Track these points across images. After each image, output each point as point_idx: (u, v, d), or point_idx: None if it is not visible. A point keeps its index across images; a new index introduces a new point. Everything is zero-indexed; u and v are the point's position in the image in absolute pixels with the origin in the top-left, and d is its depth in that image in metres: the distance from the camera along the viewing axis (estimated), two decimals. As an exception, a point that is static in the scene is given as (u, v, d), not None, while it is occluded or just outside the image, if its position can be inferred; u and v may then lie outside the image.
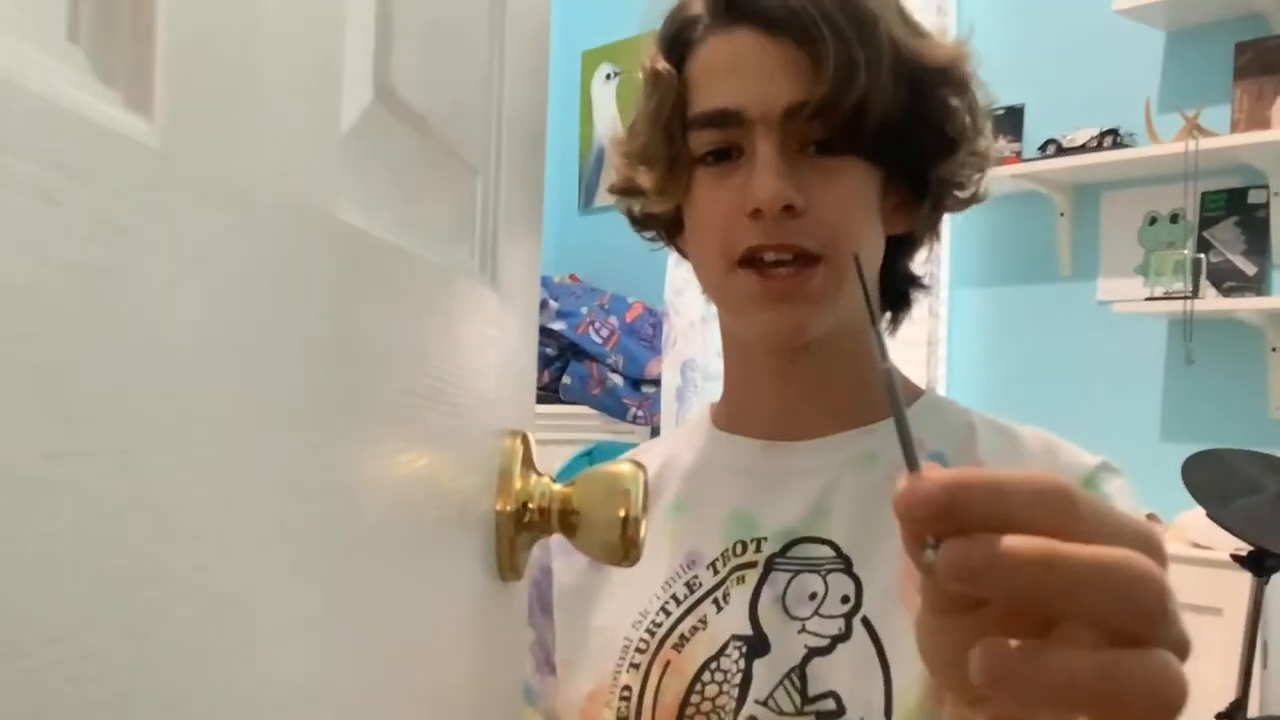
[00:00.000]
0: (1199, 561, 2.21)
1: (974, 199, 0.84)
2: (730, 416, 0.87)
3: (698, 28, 0.79)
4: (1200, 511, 2.02)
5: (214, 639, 0.25)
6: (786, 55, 0.74)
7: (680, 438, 0.91)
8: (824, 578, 0.77)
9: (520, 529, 0.49)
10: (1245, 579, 2.03)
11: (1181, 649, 0.36)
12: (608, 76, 3.75)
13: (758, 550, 0.80)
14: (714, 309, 2.79)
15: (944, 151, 0.80)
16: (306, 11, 0.31)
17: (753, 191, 0.73)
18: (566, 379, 3.19)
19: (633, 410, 3.17)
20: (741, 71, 0.76)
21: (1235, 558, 2.02)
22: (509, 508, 0.48)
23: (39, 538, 0.19)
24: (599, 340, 3.18)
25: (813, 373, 0.81)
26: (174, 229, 0.23)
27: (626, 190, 0.85)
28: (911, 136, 0.77)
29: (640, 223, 0.88)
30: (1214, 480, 2.07)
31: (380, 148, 0.39)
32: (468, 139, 0.45)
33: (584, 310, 3.22)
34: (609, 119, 3.74)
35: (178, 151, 0.23)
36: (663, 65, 0.79)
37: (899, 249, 0.84)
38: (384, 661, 0.38)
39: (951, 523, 0.35)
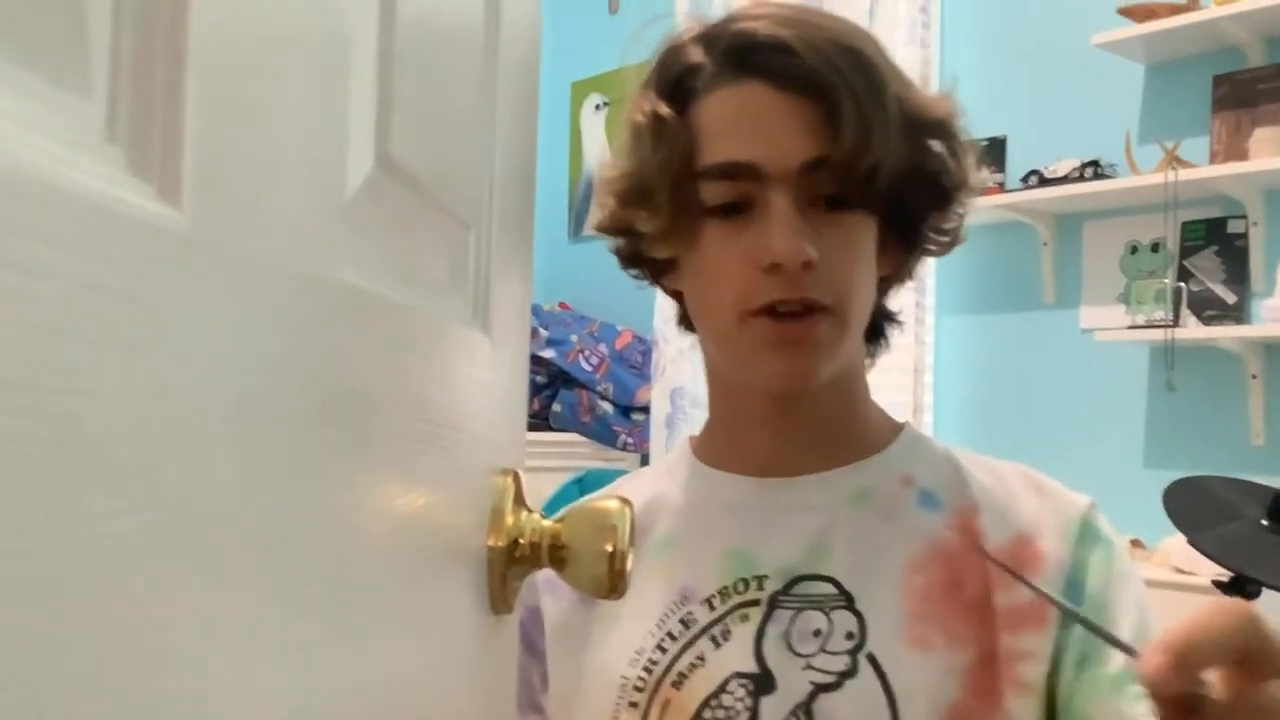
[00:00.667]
0: (1182, 587, 2.24)
1: (955, 242, 0.86)
2: (716, 453, 0.87)
3: (701, 76, 0.79)
4: (1182, 538, 2.05)
5: (210, 674, 0.27)
6: (802, 111, 0.75)
7: (661, 472, 0.91)
8: (828, 614, 0.78)
9: (511, 564, 0.51)
10: (1227, 604, 2.05)
11: None
12: (597, 107, 3.79)
13: (759, 588, 0.80)
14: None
15: (940, 203, 0.82)
16: (317, 91, 0.33)
17: (772, 247, 0.74)
18: (556, 406, 3.21)
19: (623, 437, 3.19)
20: (756, 126, 0.76)
21: (1216, 584, 2.04)
22: (501, 543, 0.51)
23: (71, 572, 0.21)
24: (589, 368, 3.21)
25: (805, 412, 0.82)
26: (197, 304, 0.26)
27: (617, 230, 0.85)
28: (912, 190, 0.79)
29: (629, 261, 0.88)
30: (1195, 506, 2.10)
31: (380, 211, 0.42)
32: (461, 197, 0.48)
33: (574, 338, 3.25)
34: (598, 149, 3.77)
35: (202, 235, 0.26)
36: (667, 112, 0.79)
37: (880, 287, 0.86)
38: (380, 695, 0.40)
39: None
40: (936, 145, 0.80)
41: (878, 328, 0.89)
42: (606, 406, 3.19)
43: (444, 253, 0.48)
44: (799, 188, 0.75)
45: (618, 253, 0.88)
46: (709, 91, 0.78)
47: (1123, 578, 0.79)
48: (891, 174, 0.75)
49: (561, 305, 3.56)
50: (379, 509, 0.39)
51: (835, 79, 0.74)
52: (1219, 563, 1.97)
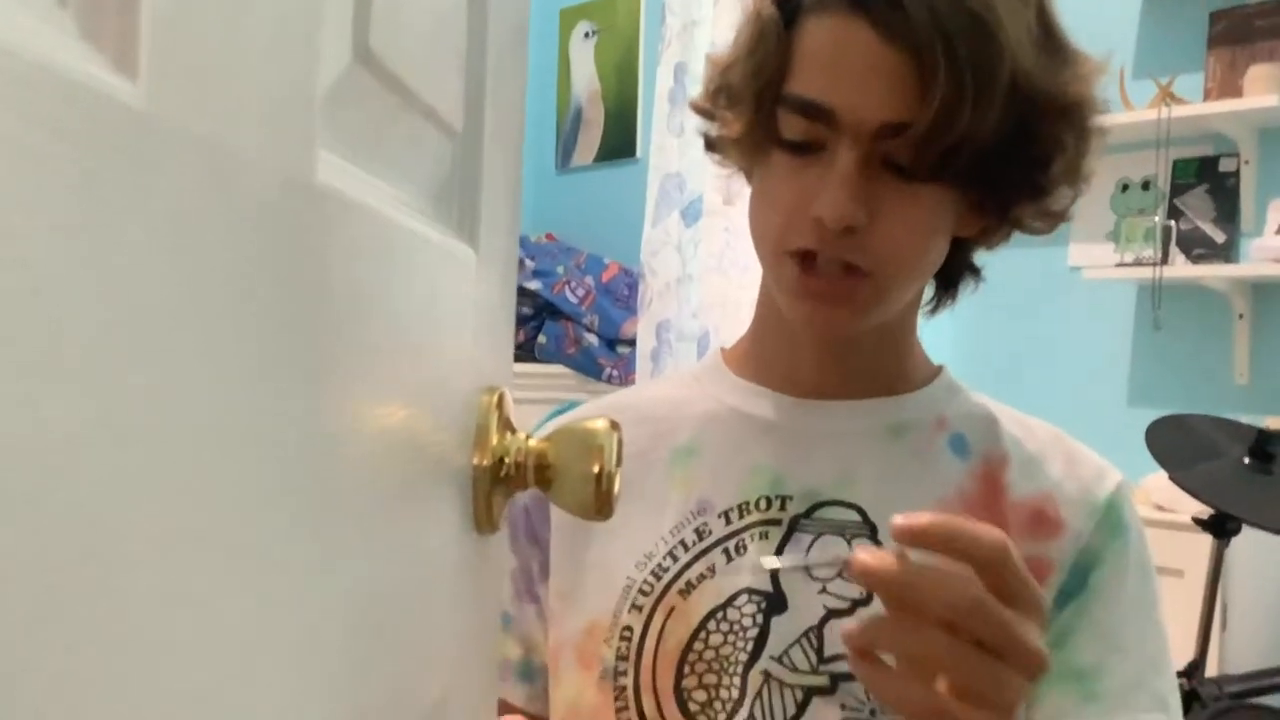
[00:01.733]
0: (1162, 524, 2.25)
1: (1059, 221, 0.81)
2: (756, 367, 0.86)
3: None
4: (1164, 475, 2.06)
5: (173, 594, 0.26)
6: (895, 66, 0.69)
7: (687, 380, 0.89)
8: (849, 542, 0.78)
9: (497, 484, 0.50)
10: (1206, 541, 2.07)
11: (1031, 670, 0.56)
12: (586, 34, 3.73)
13: (782, 509, 0.80)
14: (689, 271, 2.78)
15: (1040, 190, 0.77)
16: (291, -25, 0.31)
17: (821, 201, 0.71)
18: (542, 338, 3.20)
19: (608, 370, 3.19)
20: (844, 70, 0.71)
21: (1197, 521, 2.06)
22: (485, 462, 0.49)
23: (20, 474, 0.20)
24: (575, 300, 3.19)
25: (848, 342, 0.81)
26: (155, 187, 0.24)
27: (707, 114, 0.83)
28: (1008, 172, 0.73)
29: (712, 147, 0.85)
30: (1177, 444, 2.11)
31: (359, 109, 0.40)
32: (448, 99, 0.46)
33: (560, 270, 3.23)
34: (587, 78, 3.72)
35: (162, 113, 0.24)
36: (770, 17, 0.74)
37: (964, 243, 0.82)
38: (363, 611, 0.39)
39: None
40: (1054, 129, 0.73)
41: (952, 280, 0.86)
42: (592, 339, 3.18)
43: (429, 161, 0.46)
44: (872, 146, 0.71)
45: (705, 135, 0.85)
46: (817, 14, 0.73)
47: (1126, 573, 0.79)
48: (981, 151, 0.70)
49: (548, 237, 3.53)
50: (359, 421, 0.38)
51: (937, 39, 0.67)
52: (1201, 499, 1.99)
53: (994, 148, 0.70)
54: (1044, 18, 0.73)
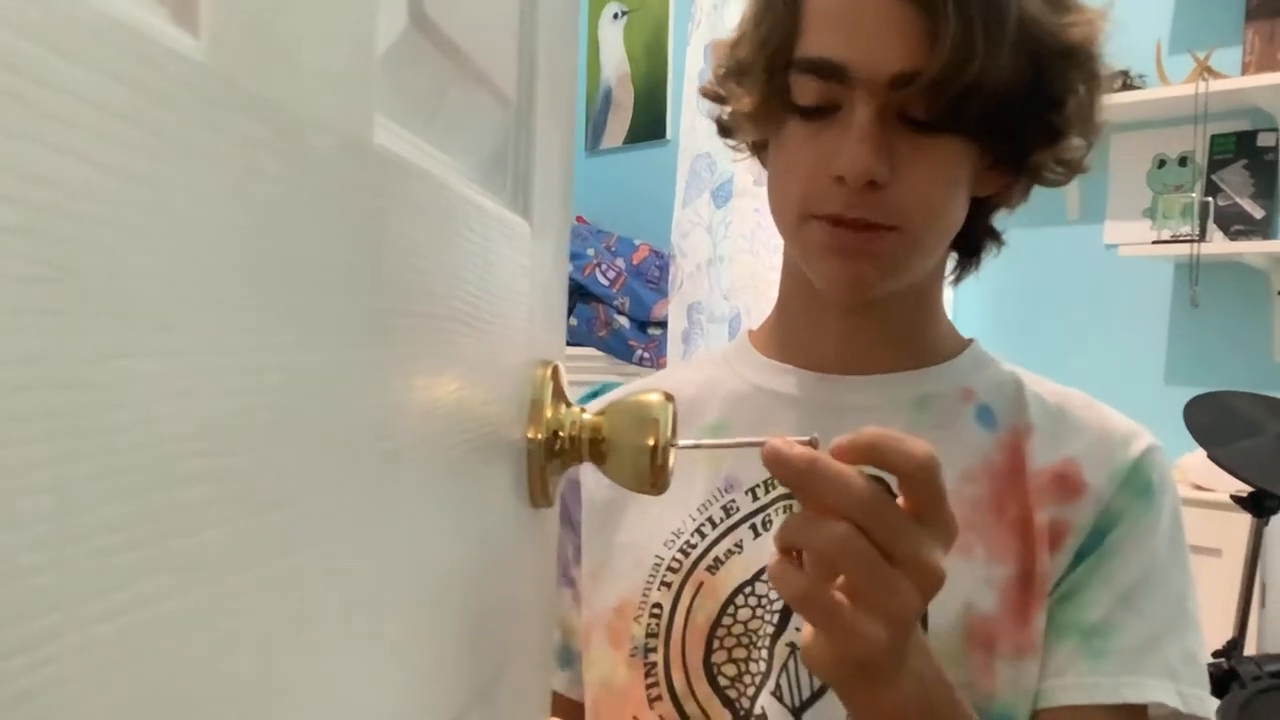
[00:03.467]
0: (1200, 503, 2.23)
1: (1075, 171, 0.82)
2: (781, 345, 0.86)
3: None
4: (1202, 453, 2.04)
5: (248, 546, 0.25)
6: (904, 18, 0.70)
7: (717, 360, 0.90)
8: None
9: (551, 457, 0.50)
10: (1245, 520, 2.05)
11: (924, 585, 0.55)
12: (615, 15, 3.71)
13: None
14: (720, 252, 2.77)
15: (1054, 135, 0.77)
16: (356, -64, 0.31)
17: (841, 159, 0.71)
18: (572, 320, 3.20)
19: (639, 352, 3.18)
20: (855, 26, 0.71)
21: (1235, 499, 2.04)
22: (540, 436, 0.49)
23: (87, 432, 0.19)
24: (605, 282, 3.18)
25: (873, 314, 0.81)
26: (217, 141, 0.24)
27: (718, 97, 0.84)
28: (1022, 118, 0.74)
29: (724, 131, 0.86)
30: (1215, 422, 2.09)
31: (415, 74, 0.40)
32: (502, 68, 0.45)
33: (590, 252, 3.22)
34: (616, 59, 3.71)
35: (222, 67, 0.24)
36: None
37: (983, 205, 0.82)
38: (422, 583, 0.39)
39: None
40: (1063, 72, 0.74)
41: (974, 246, 0.86)
42: (623, 321, 3.18)
43: (484, 128, 0.46)
44: (887, 100, 0.71)
45: (717, 119, 0.86)
46: None
47: (1148, 534, 0.77)
48: (994, 98, 0.70)
49: (579, 219, 3.53)
50: (417, 390, 0.38)
51: None
52: (1239, 477, 1.96)
53: (1006, 94, 0.71)
54: None
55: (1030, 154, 0.78)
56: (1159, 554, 0.77)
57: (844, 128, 0.72)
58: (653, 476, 0.51)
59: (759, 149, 0.85)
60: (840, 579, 0.55)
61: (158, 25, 0.22)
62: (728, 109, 0.84)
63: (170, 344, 0.22)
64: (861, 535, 0.54)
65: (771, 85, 0.76)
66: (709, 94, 0.85)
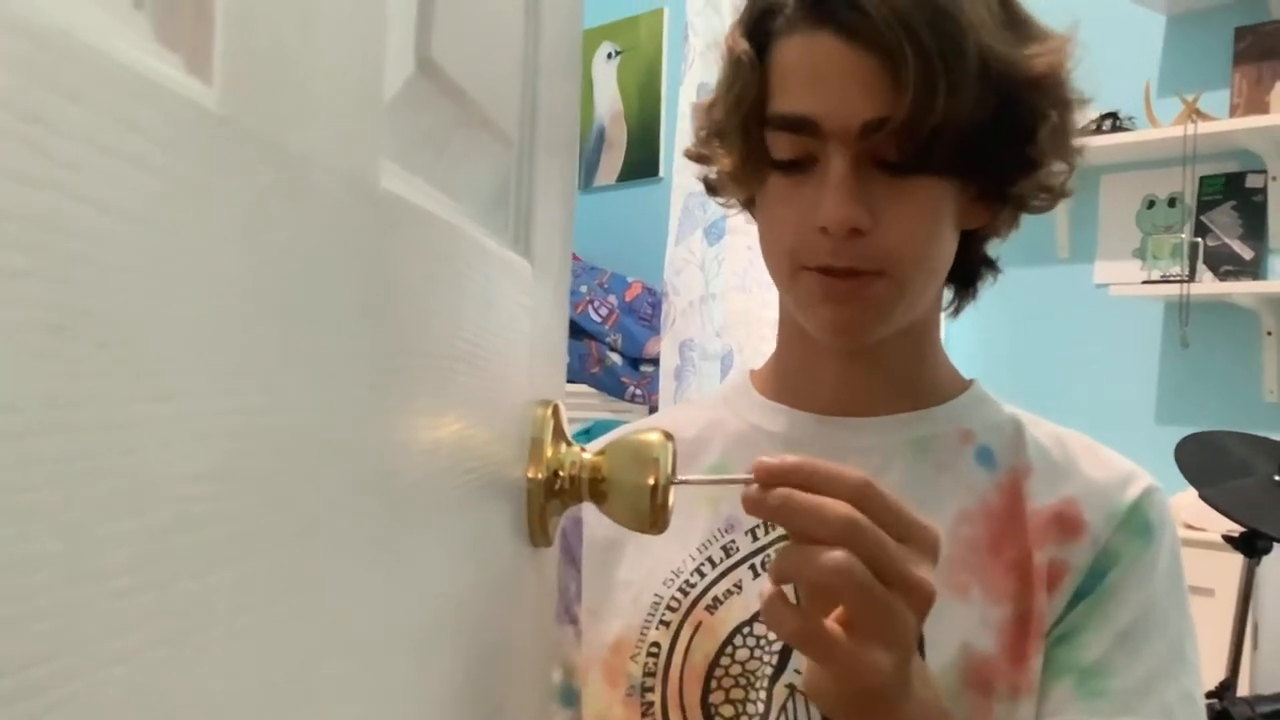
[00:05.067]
0: (1192, 543, 2.23)
1: (1060, 196, 0.82)
2: (780, 387, 0.87)
3: (780, 18, 0.76)
4: (1193, 493, 2.04)
5: (254, 587, 0.25)
6: (867, 68, 0.71)
7: (718, 402, 0.91)
8: None
9: (551, 497, 0.50)
10: (1237, 560, 2.05)
11: (916, 601, 0.55)
12: (609, 55, 3.74)
13: None
14: (713, 289, 2.77)
15: (1031, 164, 0.78)
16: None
17: (822, 210, 0.72)
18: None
19: (631, 389, 3.18)
20: (822, 80, 0.73)
21: (1227, 539, 2.04)
22: (540, 475, 0.49)
23: (100, 475, 0.19)
24: (598, 319, 3.19)
25: (871, 357, 0.81)
26: (231, 188, 0.24)
27: (703, 158, 0.85)
28: (996, 151, 0.75)
29: (713, 190, 0.88)
30: (1207, 462, 2.09)
31: (420, 118, 0.40)
32: (504, 110, 0.46)
33: (583, 289, 3.23)
34: (610, 98, 3.73)
35: (234, 115, 0.24)
36: (743, 51, 0.77)
37: (973, 236, 0.83)
38: (421, 622, 0.39)
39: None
40: (1031, 102, 0.75)
41: (970, 277, 0.87)
42: (615, 358, 3.18)
43: (486, 171, 0.46)
44: (860, 148, 0.72)
45: (704, 180, 0.88)
46: (786, 36, 0.75)
47: (1146, 575, 0.77)
48: (964, 135, 0.71)
49: (572, 256, 3.53)
50: (418, 428, 0.38)
51: (901, 35, 0.69)
52: (1230, 517, 1.96)
53: (977, 129, 0.72)
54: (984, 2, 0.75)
55: (1011, 184, 0.79)
56: (1157, 595, 0.77)
57: (822, 179, 0.73)
58: (652, 516, 0.51)
59: (749, 205, 0.86)
60: (837, 611, 0.55)
61: (172, 75, 0.23)
62: (713, 169, 0.85)
63: (181, 386, 0.22)
64: (857, 560, 0.53)
65: (748, 144, 0.77)
66: (694, 156, 0.87)
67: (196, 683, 0.22)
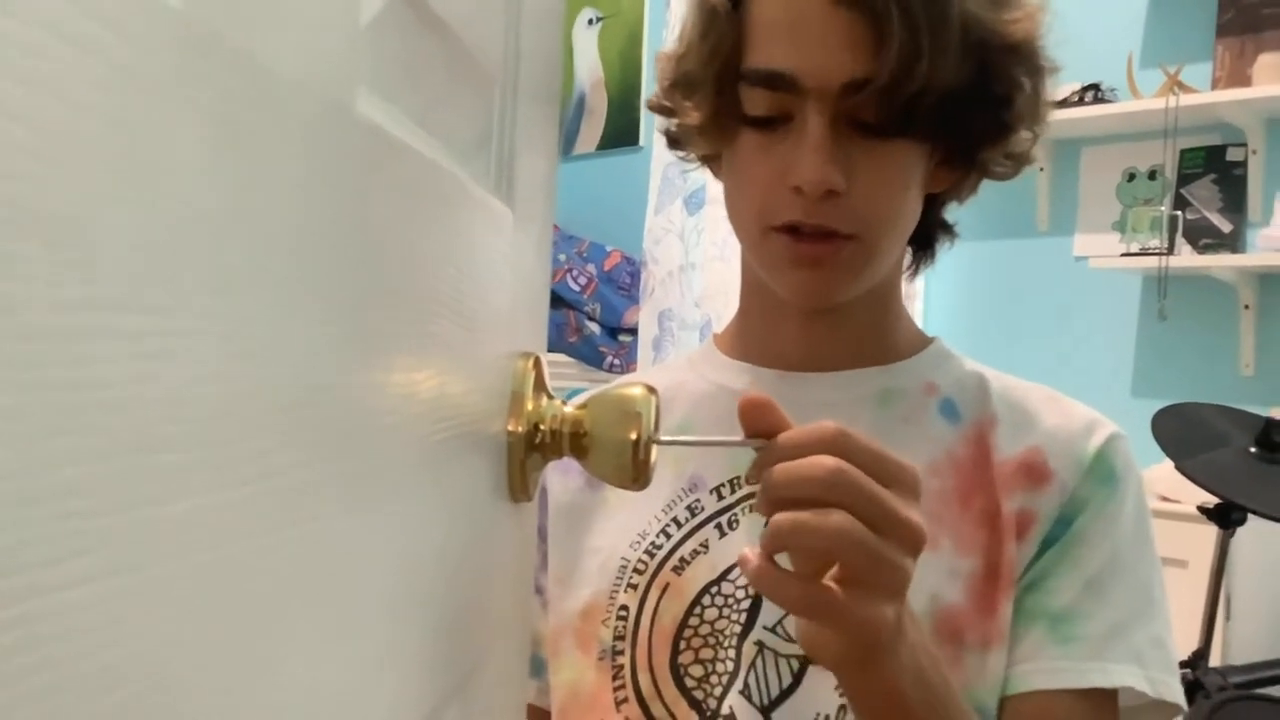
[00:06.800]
0: (1166, 515, 2.24)
1: (1023, 164, 0.82)
2: (744, 345, 0.86)
3: None
4: (1169, 465, 2.05)
5: (217, 527, 0.24)
6: (851, 26, 0.70)
7: (683, 365, 0.90)
8: None
9: (531, 450, 0.48)
10: (1211, 532, 2.06)
11: (908, 543, 0.54)
12: (590, 21, 3.70)
13: None
14: (692, 259, 2.76)
15: (1004, 130, 0.78)
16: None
17: (797, 170, 0.71)
18: (542, 326, 3.18)
19: (609, 358, 3.17)
20: (802, 35, 0.71)
21: (1202, 510, 2.05)
22: (521, 429, 0.48)
23: (50, 386, 0.18)
24: (576, 288, 3.17)
25: (834, 314, 0.81)
26: (195, 92, 0.22)
27: (666, 110, 0.83)
28: (972, 116, 0.74)
29: (674, 143, 0.86)
30: (1183, 433, 2.10)
31: (398, 46, 0.38)
32: (486, 49, 0.44)
33: (562, 258, 3.21)
34: (590, 65, 3.70)
35: (199, 15, 0.23)
36: (719, 1, 0.75)
37: (935, 200, 0.83)
38: (399, 576, 0.38)
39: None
40: (1008, 69, 0.75)
41: (929, 239, 0.87)
42: (594, 327, 3.16)
43: (467, 110, 0.45)
44: (839, 107, 0.71)
45: (666, 132, 0.86)
46: None
47: (1112, 521, 0.77)
48: (944, 99, 0.71)
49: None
50: (393, 369, 0.36)
51: None
52: (1207, 489, 1.97)
53: (955, 94, 0.71)
54: None
55: (980, 150, 0.78)
56: (1124, 540, 0.77)
57: (798, 138, 0.72)
58: (635, 471, 0.49)
59: (710, 160, 0.85)
60: (833, 570, 0.55)
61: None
62: (676, 121, 0.83)
63: (140, 300, 0.20)
64: (855, 520, 0.53)
65: (721, 98, 0.76)
66: (656, 107, 0.85)
67: (157, 615, 0.21)
